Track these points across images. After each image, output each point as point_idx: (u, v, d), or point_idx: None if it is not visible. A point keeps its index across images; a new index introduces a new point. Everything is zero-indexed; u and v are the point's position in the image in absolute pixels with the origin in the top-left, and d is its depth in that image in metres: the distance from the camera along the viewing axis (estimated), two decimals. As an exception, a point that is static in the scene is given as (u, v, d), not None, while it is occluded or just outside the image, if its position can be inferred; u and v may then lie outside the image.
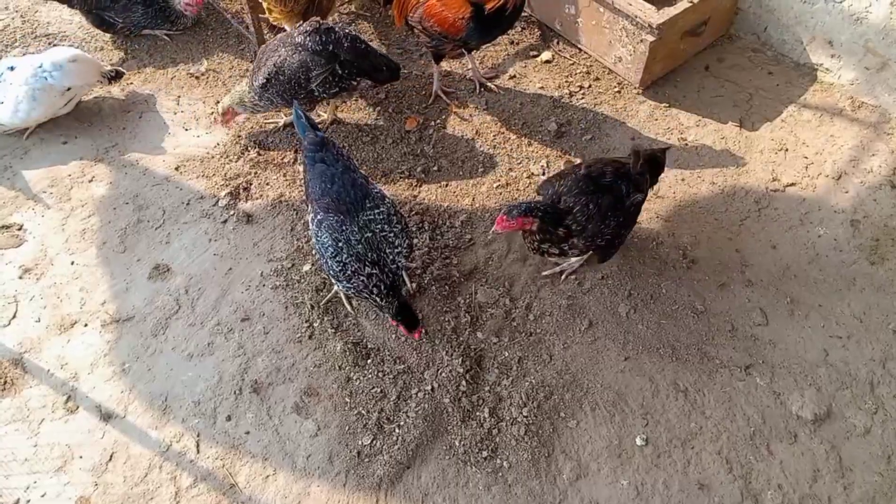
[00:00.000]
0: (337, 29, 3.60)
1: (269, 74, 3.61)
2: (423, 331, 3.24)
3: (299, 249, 3.65)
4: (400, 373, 3.18)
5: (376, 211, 2.92)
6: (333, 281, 3.03)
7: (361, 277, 2.85)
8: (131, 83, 4.64)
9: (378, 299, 2.90)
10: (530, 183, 3.92)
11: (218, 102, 4.01)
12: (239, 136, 4.21)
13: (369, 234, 2.87)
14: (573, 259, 3.42)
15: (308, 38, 3.53)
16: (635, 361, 3.20)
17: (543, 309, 3.39)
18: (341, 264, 2.86)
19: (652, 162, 3.20)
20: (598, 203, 3.00)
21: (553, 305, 3.40)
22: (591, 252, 3.26)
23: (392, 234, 2.91)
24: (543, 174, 3.95)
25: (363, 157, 4.09)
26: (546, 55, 4.39)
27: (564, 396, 3.11)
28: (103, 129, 4.30)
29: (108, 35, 4.75)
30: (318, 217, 2.92)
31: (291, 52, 3.53)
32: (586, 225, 3.00)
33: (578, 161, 3.83)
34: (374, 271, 2.86)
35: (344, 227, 2.85)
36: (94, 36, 4.79)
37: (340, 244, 2.84)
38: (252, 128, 4.27)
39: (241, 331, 3.36)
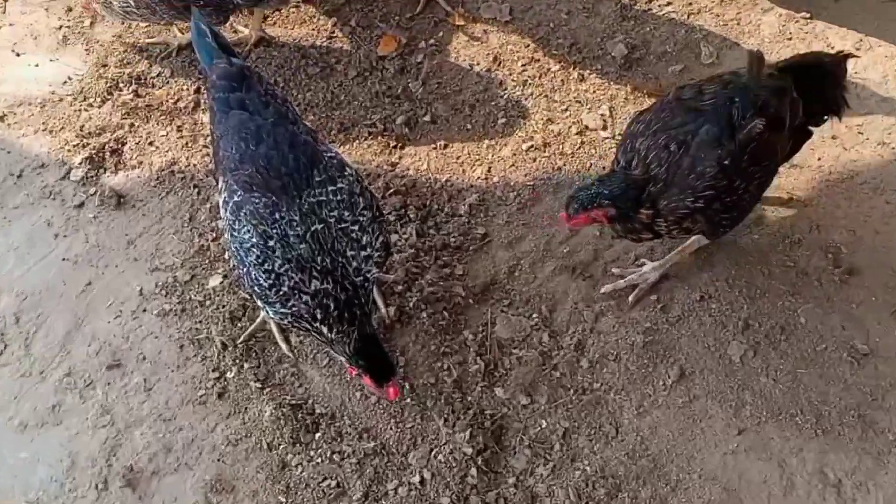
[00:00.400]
0: None
1: None
2: (405, 385, 3.23)
3: (203, 252, 3.64)
4: (369, 454, 3.18)
5: (331, 188, 2.94)
6: (259, 303, 3.03)
7: (304, 297, 2.86)
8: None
9: (327, 330, 2.89)
10: (581, 142, 3.93)
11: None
12: (104, 66, 4.19)
13: (319, 227, 2.88)
14: (664, 257, 3.46)
15: None
16: (756, 436, 3.19)
17: (605, 350, 3.38)
18: (272, 276, 2.86)
19: (812, 74, 3.20)
20: (685, 139, 3.01)
21: (621, 344, 3.39)
22: (696, 233, 3.28)
23: (356, 227, 2.93)
24: (604, 128, 3.94)
25: (310, 101, 4.07)
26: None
27: (639, 495, 3.10)
28: None
29: None
30: (235, 199, 2.93)
31: None
32: (669, 180, 3.02)
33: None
34: (326, 286, 2.87)
35: (277, 215, 2.86)
36: None
37: (271, 243, 2.85)
38: (125, 51, 4.24)
39: (108, 385, 3.36)
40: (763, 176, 3.18)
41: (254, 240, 2.85)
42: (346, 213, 2.92)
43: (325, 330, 2.89)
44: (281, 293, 2.86)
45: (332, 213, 2.90)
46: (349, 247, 2.91)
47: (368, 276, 2.94)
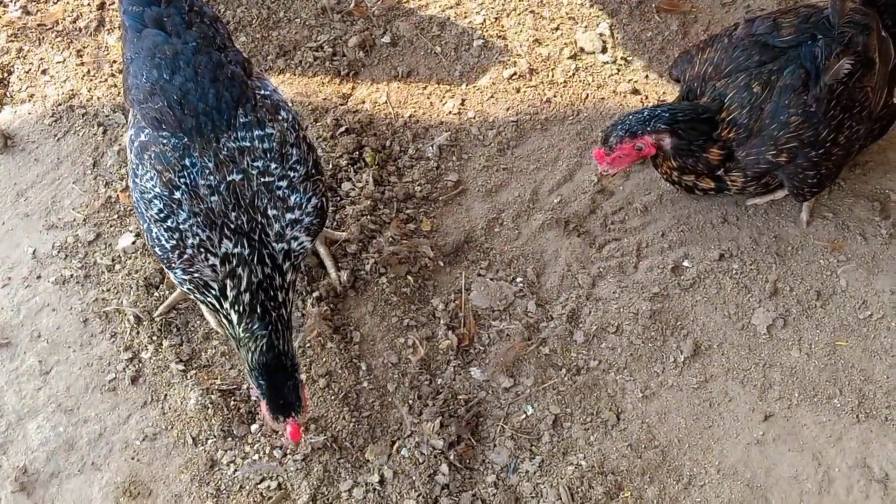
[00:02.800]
0: None
1: None
2: (301, 427, 3.01)
3: (111, 205, 3.62)
4: (317, 450, 3.16)
5: (257, 133, 2.93)
6: (164, 267, 3.03)
7: (210, 260, 2.87)
8: None
9: (236, 319, 2.90)
10: (576, 68, 3.92)
11: None
12: (-15, -25, 4.19)
13: (238, 178, 2.88)
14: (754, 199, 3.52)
15: None
16: (785, 423, 3.21)
17: (603, 321, 3.40)
18: (175, 234, 2.86)
19: None
20: (767, 80, 3.11)
21: (623, 314, 3.41)
22: (776, 188, 3.36)
23: (284, 184, 2.94)
24: (603, 50, 3.93)
25: (241, 18, 4.02)
26: None
27: (645, 493, 3.11)
28: None
29: None
30: (141, 137, 2.94)
31: None
32: (751, 126, 3.12)
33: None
34: (239, 250, 2.87)
35: (187, 161, 2.86)
36: None
37: (177, 195, 2.85)
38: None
39: (-6, 369, 3.39)
40: (854, 126, 3.26)
41: (157, 189, 2.86)
42: (274, 166, 2.92)
43: (233, 317, 2.89)
44: (185, 256, 2.86)
45: (255, 164, 2.90)
46: (271, 205, 2.91)
47: (294, 244, 2.94)
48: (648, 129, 3.11)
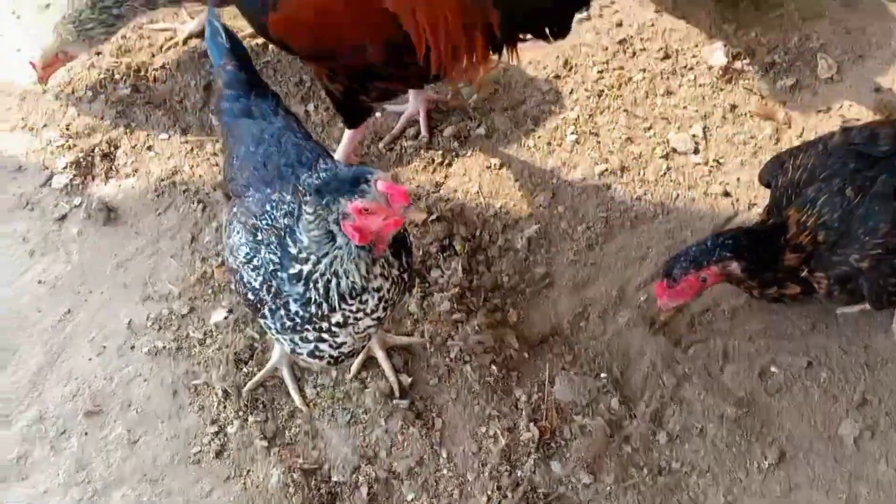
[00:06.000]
0: None
1: None
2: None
3: (206, 280, 3.73)
4: None
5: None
6: (260, 320, 3.04)
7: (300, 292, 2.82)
8: None
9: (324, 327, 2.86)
10: (667, 167, 3.99)
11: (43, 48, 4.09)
12: (98, 53, 4.31)
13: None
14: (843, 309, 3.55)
15: None
16: None
17: (687, 422, 3.40)
18: (260, 270, 2.89)
19: None
20: (862, 185, 3.17)
21: (708, 416, 3.41)
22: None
23: None
24: (696, 151, 4.01)
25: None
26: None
27: None
28: None
29: None
30: (233, 208, 3.09)
31: None
32: (841, 230, 3.16)
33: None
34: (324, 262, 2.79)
35: (267, 206, 2.96)
36: None
37: (260, 235, 2.93)
38: (124, 37, 4.36)
39: (85, 435, 3.41)
40: None
41: (242, 238, 2.97)
42: None
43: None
44: (273, 290, 2.88)
45: None
46: None
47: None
48: (714, 258, 3.15)
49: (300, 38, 3.45)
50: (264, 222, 2.92)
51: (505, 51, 3.56)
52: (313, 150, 3.15)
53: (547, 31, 3.51)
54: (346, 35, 3.36)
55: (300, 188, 2.91)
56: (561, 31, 3.53)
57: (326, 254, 2.68)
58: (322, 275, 2.72)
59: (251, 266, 2.92)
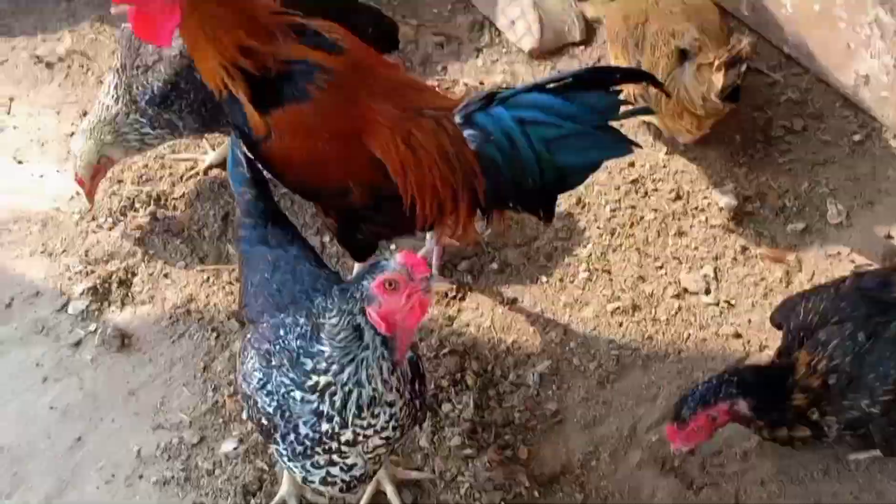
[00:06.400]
0: None
1: (174, 76, 3.93)
2: None
3: (217, 410, 3.76)
4: None
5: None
6: (275, 450, 3.03)
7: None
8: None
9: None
10: (679, 307, 4.05)
11: (80, 156, 4.07)
12: (119, 181, 4.42)
13: None
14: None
15: None
16: None
17: None
18: (274, 396, 2.90)
19: None
20: (874, 331, 3.21)
21: None
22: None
23: None
24: (707, 292, 4.09)
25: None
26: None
27: None
28: None
29: None
30: (247, 335, 3.12)
31: None
32: (852, 374, 3.19)
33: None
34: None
35: (281, 331, 2.97)
36: None
37: (274, 360, 2.93)
38: (145, 166, 4.47)
39: (90, 565, 3.41)
40: None
41: (256, 364, 2.98)
42: None
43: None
44: (286, 415, 2.89)
45: None
46: None
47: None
48: (721, 396, 3.17)
49: (287, 173, 3.50)
50: (277, 346, 2.94)
51: (493, 215, 3.58)
52: (328, 277, 3.21)
53: (532, 208, 3.56)
54: (332, 176, 3.40)
55: (314, 311, 2.91)
56: (546, 213, 3.58)
57: (352, 359, 2.69)
58: (343, 385, 2.72)
59: (265, 391, 2.93)
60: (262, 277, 3.19)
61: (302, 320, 2.94)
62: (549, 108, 3.33)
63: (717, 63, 3.98)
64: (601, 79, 3.38)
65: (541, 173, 3.37)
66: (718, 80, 4.01)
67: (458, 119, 3.40)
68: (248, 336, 3.10)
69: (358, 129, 3.31)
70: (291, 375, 2.84)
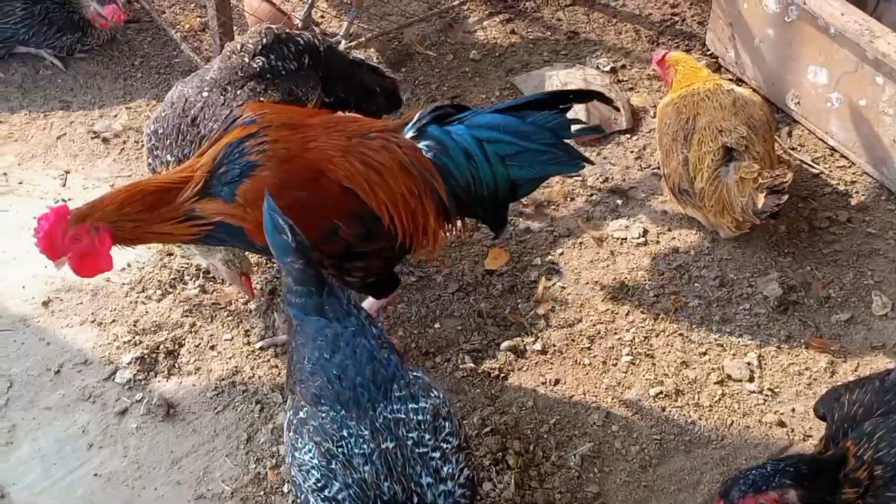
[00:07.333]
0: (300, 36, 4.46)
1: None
2: None
3: (259, 481, 3.80)
4: None
5: (412, 406, 3.10)
6: None
7: None
8: (-18, 137, 5.13)
9: None
10: (722, 393, 4.09)
11: (225, 264, 4.16)
12: (170, 254, 4.52)
13: (391, 445, 3.02)
14: None
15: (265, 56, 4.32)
16: None
17: None
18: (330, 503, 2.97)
19: None
20: None
21: None
22: None
23: (437, 455, 3.05)
24: (751, 379, 4.12)
25: (401, 314, 4.34)
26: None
27: None
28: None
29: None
30: (300, 415, 3.12)
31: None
32: None
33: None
34: None
35: (345, 431, 3.01)
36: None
37: (334, 464, 2.97)
38: (196, 240, 4.65)
39: None
40: None
41: (315, 461, 2.99)
42: (428, 437, 3.05)
43: None
44: None
45: (409, 434, 3.03)
46: (425, 473, 3.01)
47: None
48: (774, 484, 3.11)
49: None
50: (341, 451, 2.98)
51: (458, 221, 3.87)
52: (387, 363, 3.16)
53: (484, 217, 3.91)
54: (316, 221, 3.50)
55: (379, 426, 3.01)
56: (497, 224, 3.93)
57: None
58: None
59: (321, 496, 2.97)
60: (321, 356, 3.15)
61: (366, 433, 2.99)
62: (505, 127, 3.68)
63: (759, 184, 4.16)
64: (554, 100, 3.76)
65: (495, 185, 3.71)
66: (759, 200, 4.21)
67: (410, 133, 3.71)
68: (307, 420, 3.09)
69: (318, 168, 3.48)
70: (356, 497, 2.93)
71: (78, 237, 3.43)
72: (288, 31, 4.48)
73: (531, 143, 3.69)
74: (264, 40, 4.37)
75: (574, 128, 3.78)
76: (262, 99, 4.20)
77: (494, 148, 3.68)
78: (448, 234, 3.90)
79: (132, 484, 3.81)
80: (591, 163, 3.98)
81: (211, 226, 3.51)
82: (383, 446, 2.97)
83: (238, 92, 4.23)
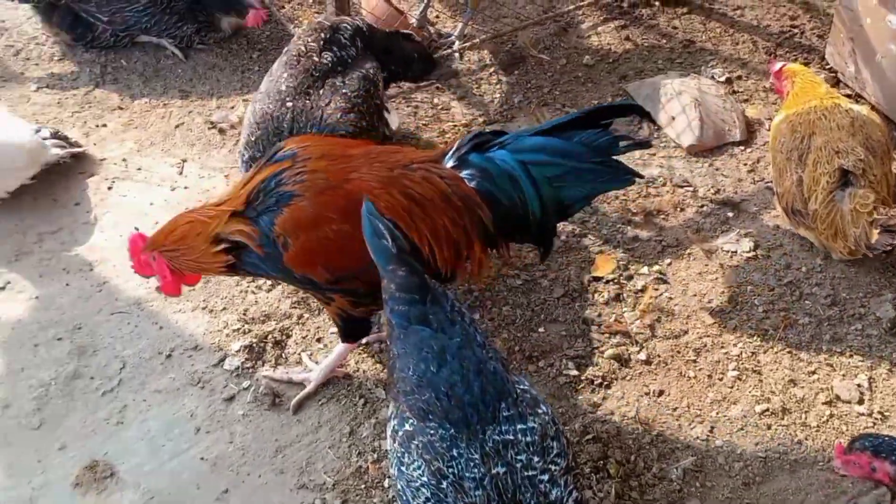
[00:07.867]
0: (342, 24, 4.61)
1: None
2: None
3: (361, 474, 3.87)
4: None
5: (520, 427, 3.08)
6: None
7: None
8: (104, 125, 5.34)
9: None
10: (830, 414, 4.05)
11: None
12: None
13: (502, 470, 3.01)
14: None
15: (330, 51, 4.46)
16: None
17: None
18: None
19: None
20: None
21: None
22: None
23: (546, 478, 3.04)
24: (860, 401, 4.07)
25: (506, 317, 4.39)
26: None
27: None
28: (40, 199, 4.91)
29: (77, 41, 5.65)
30: (406, 427, 3.12)
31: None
32: None
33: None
34: None
35: (455, 451, 3.02)
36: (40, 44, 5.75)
37: (444, 484, 2.99)
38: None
39: None
40: None
41: (425, 478, 3.00)
42: (536, 459, 3.04)
43: None
44: None
45: (518, 457, 3.03)
46: (534, 500, 3.00)
47: None
48: (893, 458, 3.14)
49: (319, 266, 3.65)
50: (451, 471, 2.99)
51: (501, 247, 3.93)
52: (494, 379, 3.13)
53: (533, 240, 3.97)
54: (358, 251, 3.41)
55: (489, 450, 3.01)
56: (545, 246, 4.00)
57: None
58: None
59: None
60: (428, 368, 3.12)
61: (476, 456, 3.00)
62: (551, 149, 3.72)
63: (874, 219, 4.16)
64: (594, 117, 3.79)
65: (542, 207, 3.75)
66: (872, 236, 4.19)
67: (451, 163, 3.74)
68: (407, 428, 3.11)
69: (358, 199, 3.41)
70: None
71: (149, 263, 3.72)
72: (330, 20, 4.64)
73: (578, 162, 3.72)
74: (324, 35, 4.48)
75: (622, 143, 3.79)
76: (344, 91, 4.33)
77: (540, 170, 3.71)
78: (493, 258, 3.93)
79: (237, 469, 3.90)
80: (641, 177, 4.06)
81: (242, 252, 3.63)
82: (493, 471, 2.98)
83: (321, 91, 4.33)
